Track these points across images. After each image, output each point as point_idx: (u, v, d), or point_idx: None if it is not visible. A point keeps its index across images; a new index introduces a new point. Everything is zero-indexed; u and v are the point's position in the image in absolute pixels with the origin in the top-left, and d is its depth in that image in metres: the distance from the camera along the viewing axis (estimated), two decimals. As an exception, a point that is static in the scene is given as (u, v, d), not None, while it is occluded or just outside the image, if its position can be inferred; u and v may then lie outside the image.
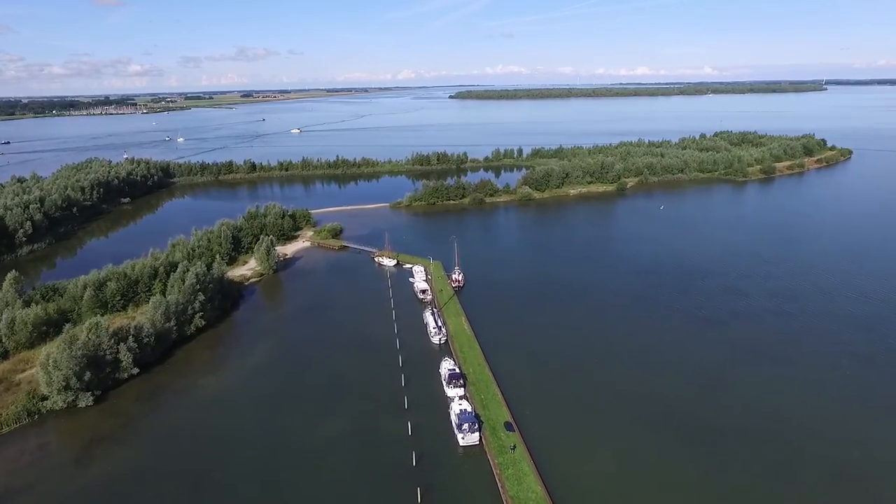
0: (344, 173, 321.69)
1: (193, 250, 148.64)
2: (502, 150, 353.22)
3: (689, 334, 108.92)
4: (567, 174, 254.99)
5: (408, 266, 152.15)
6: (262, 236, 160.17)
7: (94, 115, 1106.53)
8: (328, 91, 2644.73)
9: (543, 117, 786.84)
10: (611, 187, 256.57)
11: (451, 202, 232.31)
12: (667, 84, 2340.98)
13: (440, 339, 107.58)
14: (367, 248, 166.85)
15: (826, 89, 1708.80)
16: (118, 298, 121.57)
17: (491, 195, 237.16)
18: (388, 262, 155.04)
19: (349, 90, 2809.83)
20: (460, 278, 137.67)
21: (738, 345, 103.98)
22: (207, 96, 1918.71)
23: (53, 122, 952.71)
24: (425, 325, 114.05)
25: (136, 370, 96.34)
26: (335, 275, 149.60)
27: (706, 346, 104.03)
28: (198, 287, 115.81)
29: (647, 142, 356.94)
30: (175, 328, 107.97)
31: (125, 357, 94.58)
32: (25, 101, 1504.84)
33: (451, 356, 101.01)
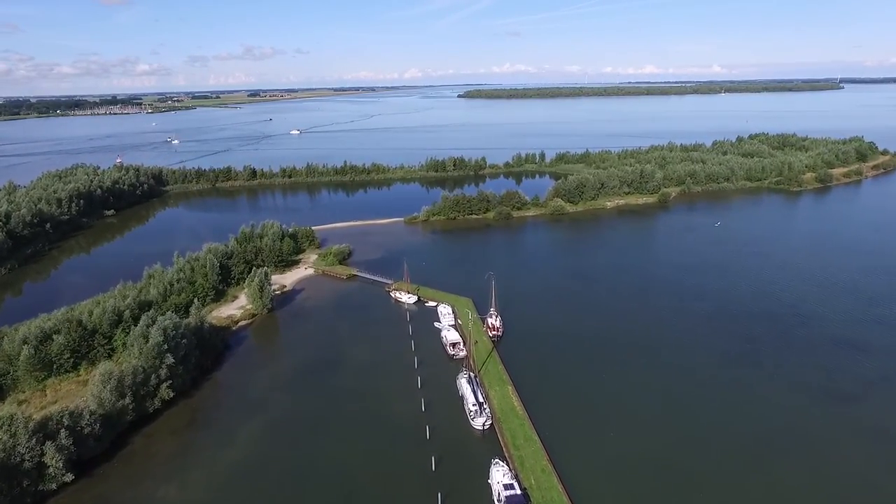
0: (352, 180, 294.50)
1: (172, 284, 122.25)
2: (523, 155, 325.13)
3: (819, 417, 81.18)
4: (602, 184, 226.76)
5: (431, 304, 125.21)
6: (255, 267, 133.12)
7: (98, 114, 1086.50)
8: (335, 90, 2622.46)
9: (556, 117, 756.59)
10: (651, 198, 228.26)
11: (473, 216, 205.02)
12: (676, 82, 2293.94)
13: (484, 424, 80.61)
14: (380, 279, 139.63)
15: (843, 87, 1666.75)
16: (67, 356, 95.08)
17: (518, 208, 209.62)
18: (407, 299, 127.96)
19: (356, 89, 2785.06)
20: (499, 325, 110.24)
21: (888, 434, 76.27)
22: (214, 95, 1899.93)
23: (56, 122, 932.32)
24: (461, 399, 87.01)
25: (69, 477, 69.90)
26: (343, 315, 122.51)
27: (849, 439, 76.28)
28: (165, 347, 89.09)
29: (679, 145, 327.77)
30: (132, 406, 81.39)
31: (53, 461, 68.10)
32: (34, 100, 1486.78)
33: (500, 455, 73.91)
